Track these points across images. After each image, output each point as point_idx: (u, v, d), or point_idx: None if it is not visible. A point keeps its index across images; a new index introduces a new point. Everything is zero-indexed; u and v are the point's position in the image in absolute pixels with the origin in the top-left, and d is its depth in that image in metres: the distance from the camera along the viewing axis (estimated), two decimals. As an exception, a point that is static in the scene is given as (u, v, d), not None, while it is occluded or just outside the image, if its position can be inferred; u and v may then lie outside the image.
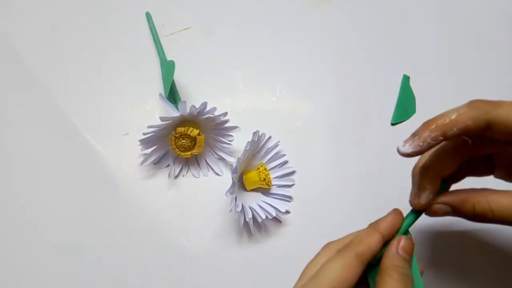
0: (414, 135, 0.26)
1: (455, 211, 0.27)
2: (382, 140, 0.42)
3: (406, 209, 0.29)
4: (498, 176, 0.30)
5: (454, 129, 0.25)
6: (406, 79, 0.45)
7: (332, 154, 0.42)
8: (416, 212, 0.29)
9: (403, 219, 0.29)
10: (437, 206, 0.28)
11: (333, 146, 0.42)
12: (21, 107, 0.44)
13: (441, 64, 0.46)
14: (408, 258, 0.27)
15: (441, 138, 0.25)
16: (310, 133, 0.43)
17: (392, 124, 0.43)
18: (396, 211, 0.29)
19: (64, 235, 0.38)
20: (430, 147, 0.26)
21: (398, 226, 0.28)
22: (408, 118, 0.43)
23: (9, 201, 0.40)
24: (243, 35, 0.48)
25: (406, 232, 0.29)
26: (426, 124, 0.26)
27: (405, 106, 0.44)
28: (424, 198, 0.28)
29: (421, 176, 0.28)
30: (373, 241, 0.27)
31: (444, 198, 0.28)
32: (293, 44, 0.48)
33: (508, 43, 0.47)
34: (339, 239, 0.29)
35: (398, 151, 0.26)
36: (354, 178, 0.41)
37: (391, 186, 0.40)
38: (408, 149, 0.26)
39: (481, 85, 0.45)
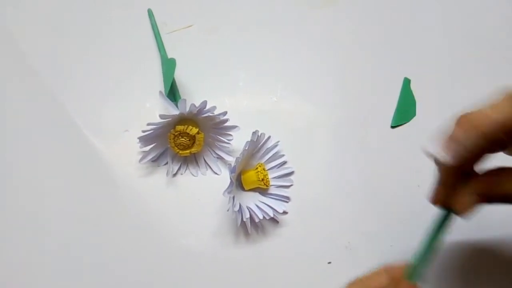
0: (452, 139, 0.23)
1: (487, 198, 0.25)
2: (382, 142, 0.42)
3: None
4: (509, 152, 0.27)
5: (498, 130, 0.22)
6: (407, 82, 0.45)
7: (331, 155, 0.42)
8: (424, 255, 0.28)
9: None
10: (466, 199, 0.25)
11: (333, 147, 0.42)
12: (21, 103, 0.44)
13: (443, 67, 0.46)
14: None
15: (482, 141, 0.23)
16: (310, 133, 0.43)
17: (392, 127, 0.43)
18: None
19: (62, 231, 0.38)
20: (470, 152, 0.23)
21: None
22: (408, 121, 0.43)
23: (9, 197, 0.40)
24: (245, 34, 0.48)
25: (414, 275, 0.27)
26: (463, 124, 0.23)
27: (405, 109, 0.44)
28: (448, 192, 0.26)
29: (447, 172, 0.26)
30: (381, 281, 0.26)
31: (471, 188, 0.25)
32: (295, 44, 0.48)
33: (510, 47, 0.47)
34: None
35: (436, 160, 0.24)
36: (352, 179, 0.40)
37: (390, 188, 0.40)
38: (449, 157, 0.23)
39: (482, 89, 0.45)
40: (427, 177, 0.28)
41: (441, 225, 0.28)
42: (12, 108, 0.44)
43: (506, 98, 0.23)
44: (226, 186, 0.34)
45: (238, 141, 0.40)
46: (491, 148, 0.25)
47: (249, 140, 0.36)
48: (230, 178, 0.34)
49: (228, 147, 0.40)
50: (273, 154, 0.39)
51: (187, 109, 0.36)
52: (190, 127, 0.37)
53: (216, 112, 0.37)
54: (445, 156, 0.23)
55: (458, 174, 0.26)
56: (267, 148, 0.39)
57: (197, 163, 0.41)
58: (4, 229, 0.38)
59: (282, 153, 0.40)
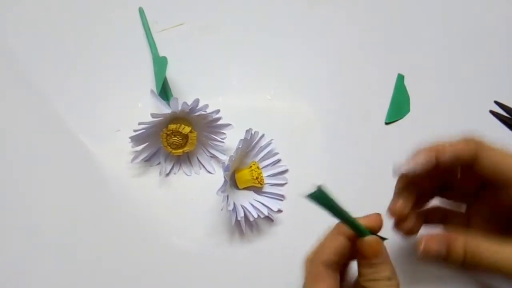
0: (412, 157, 0.29)
1: (440, 257, 0.27)
2: (376, 138, 0.42)
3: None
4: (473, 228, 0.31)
5: (447, 154, 0.27)
6: (400, 78, 0.45)
7: (326, 153, 0.42)
8: None
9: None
10: (409, 225, 0.31)
11: (327, 145, 0.42)
12: (11, 104, 0.43)
13: (436, 63, 0.46)
14: (376, 260, 0.26)
15: (434, 161, 0.28)
16: (304, 131, 0.42)
17: (387, 123, 0.43)
18: (376, 215, 0.29)
19: (55, 231, 0.38)
20: (423, 168, 0.28)
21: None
22: (402, 117, 0.43)
23: (0, 198, 0.39)
24: (237, 32, 0.48)
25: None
26: (424, 149, 0.28)
27: (399, 105, 0.44)
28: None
29: (401, 183, 0.31)
30: (338, 245, 0.27)
31: (415, 218, 0.30)
32: (288, 42, 0.47)
33: (506, 45, 0.47)
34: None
35: (397, 172, 0.30)
36: (347, 177, 0.40)
37: (385, 185, 0.40)
38: (405, 169, 0.29)
39: (477, 86, 0.45)
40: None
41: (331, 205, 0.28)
42: (3, 108, 0.43)
43: (462, 139, 0.28)
44: (220, 185, 0.34)
45: (231, 140, 0.39)
46: (442, 174, 0.30)
47: (243, 138, 0.35)
48: (224, 177, 0.34)
49: (221, 146, 0.40)
50: (267, 152, 0.39)
51: (179, 108, 0.36)
52: (183, 126, 0.37)
53: (208, 110, 0.37)
54: (405, 168, 0.29)
55: (411, 185, 0.31)
56: (261, 146, 0.39)
57: (190, 162, 0.40)
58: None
59: (276, 151, 0.40)
